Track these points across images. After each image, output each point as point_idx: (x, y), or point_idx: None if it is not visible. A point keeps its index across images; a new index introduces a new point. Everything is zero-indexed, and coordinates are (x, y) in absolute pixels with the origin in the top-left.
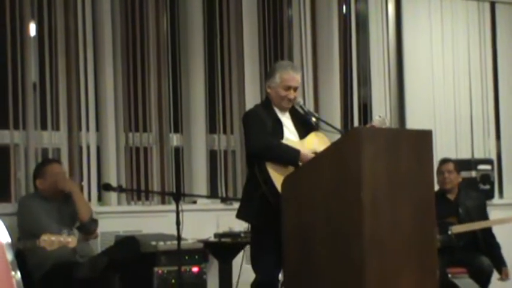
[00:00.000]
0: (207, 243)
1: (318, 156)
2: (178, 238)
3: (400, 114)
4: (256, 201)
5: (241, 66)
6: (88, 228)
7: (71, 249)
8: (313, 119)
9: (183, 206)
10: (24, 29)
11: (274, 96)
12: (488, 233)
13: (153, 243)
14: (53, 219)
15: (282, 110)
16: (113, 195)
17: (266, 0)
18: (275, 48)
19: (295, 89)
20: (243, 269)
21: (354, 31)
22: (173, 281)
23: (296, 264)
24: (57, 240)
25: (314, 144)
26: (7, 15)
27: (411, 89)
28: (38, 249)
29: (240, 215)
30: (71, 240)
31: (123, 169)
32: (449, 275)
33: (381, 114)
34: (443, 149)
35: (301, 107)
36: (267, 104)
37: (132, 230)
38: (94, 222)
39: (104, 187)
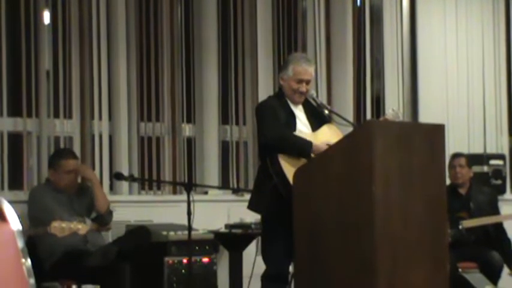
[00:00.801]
0: (217, 233)
1: (330, 148)
2: (189, 228)
3: (413, 107)
4: (268, 193)
5: (254, 58)
6: (104, 220)
7: (82, 238)
8: (326, 112)
9: (195, 197)
10: (38, 17)
11: (287, 88)
12: (499, 228)
13: (164, 233)
14: (64, 210)
15: (295, 102)
16: (124, 185)
17: None
18: (289, 40)
19: (307, 82)
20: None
21: (368, 24)
22: (183, 271)
23: (307, 256)
24: (68, 227)
25: (327, 136)
26: (21, 3)
27: (424, 82)
28: (48, 237)
29: (251, 206)
30: (81, 227)
31: (135, 158)
32: (460, 270)
33: (394, 107)
34: (455, 143)
35: (313, 99)
36: (280, 96)
37: (143, 219)
38: (110, 214)
39: (116, 176)
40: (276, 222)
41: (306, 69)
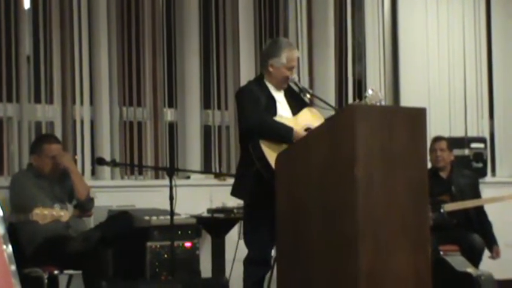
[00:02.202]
0: (200, 218)
1: (312, 133)
2: (172, 213)
3: (394, 91)
4: (251, 179)
5: (236, 42)
6: (85, 207)
7: (64, 223)
8: (308, 96)
9: (177, 181)
10: (18, 2)
11: (277, 75)
12: (480, 211)
13: (146, 218)
14: (46, 196)
15: (278, 88)
16: (106, 170)
17: None
18: (270, 24)
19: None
20: (236, 245)
21: (350, 7)
22: (166, 255)
23: (289, 241)
24: (50, 214)
25: (308, 120)
26: None
27: (406, 66)
28: (30, 223)
29: (235, 193)
30: (63, 214)
31: (117, 143)
32: (441, 252)
33: (374, 87)
34: (436, 126)
35: (295, 83)
36: (260, 81)
37: (125, 204)
38: (91, 200)
39: (98, 161)
40: (258, 207)
41: (296, 55)
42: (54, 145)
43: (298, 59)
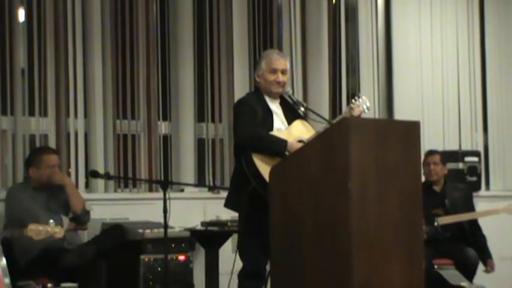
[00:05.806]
0: (193, 231)
1: (306, 146)
2: (165, 226)
3: (388, 104)
4: (246, 193)
5: (230, 55)
6: (80, 220)
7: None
8: (302, 109)
9: (171, 194)
10: (13, 15)
11: (264, 83)
12: (474, 224)
13: (140, 231)
14: (42, 209)
15: (273, 97)
16: (100, 183)
17: None
18: (264, 37)
19: (282, 72)
20: (230, 258)
21: (343, 20)
22: (159, 268)
23: (283, 254)
24: (45, 230)
25: (300, 132)
26: None
27: (400, 79)
28: (25, 238)
29: (229, 205)
30: (58, 230)
31: (110, 156)
32: (435, 266)
33: (364, 96)
34: (430, 140)
35: (289, 96)
36: (257, 93)
37: (119, 217)
38: (87, 213)
39: (91, 174)
40: (253, 220)
41: (277, 58)
42: (53, 155)
43: (288, 67)
